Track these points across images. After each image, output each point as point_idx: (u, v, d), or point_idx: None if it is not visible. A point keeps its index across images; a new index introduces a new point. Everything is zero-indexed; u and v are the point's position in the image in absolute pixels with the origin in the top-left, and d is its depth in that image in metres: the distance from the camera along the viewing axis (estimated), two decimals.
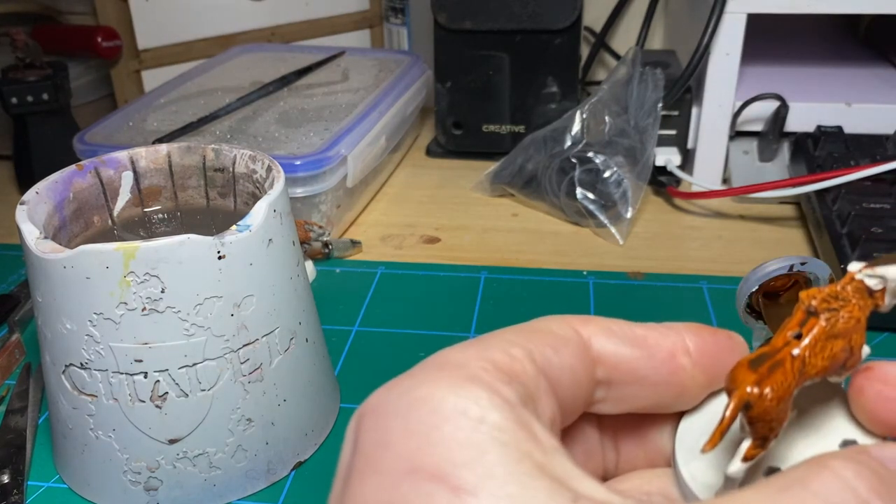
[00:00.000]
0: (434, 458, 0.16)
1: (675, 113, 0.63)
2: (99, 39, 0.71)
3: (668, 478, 0.22)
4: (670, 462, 0.22)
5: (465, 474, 0.15)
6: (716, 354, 0.22)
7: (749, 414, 0.18)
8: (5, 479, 0.37)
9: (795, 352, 0.19)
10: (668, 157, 0.63)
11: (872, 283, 0.20)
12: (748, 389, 0.18)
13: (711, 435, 0.18)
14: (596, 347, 0.21)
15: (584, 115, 0.60)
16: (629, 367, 0.21)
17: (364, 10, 0.84)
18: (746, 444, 0.19)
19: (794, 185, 0.55)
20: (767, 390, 0.18)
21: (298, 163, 0.52)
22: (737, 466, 0.19)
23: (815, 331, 0.19)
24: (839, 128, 0.60)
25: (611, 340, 0.21)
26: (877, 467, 0.17)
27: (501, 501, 0.15)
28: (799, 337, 0.19)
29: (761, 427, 0.18)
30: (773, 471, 0.20)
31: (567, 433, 0.23)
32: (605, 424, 0.24)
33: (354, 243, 0.56)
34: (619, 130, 0.59)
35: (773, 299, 0.26)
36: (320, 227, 0.55)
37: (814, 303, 0.19)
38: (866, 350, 0.20)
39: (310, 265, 0.53)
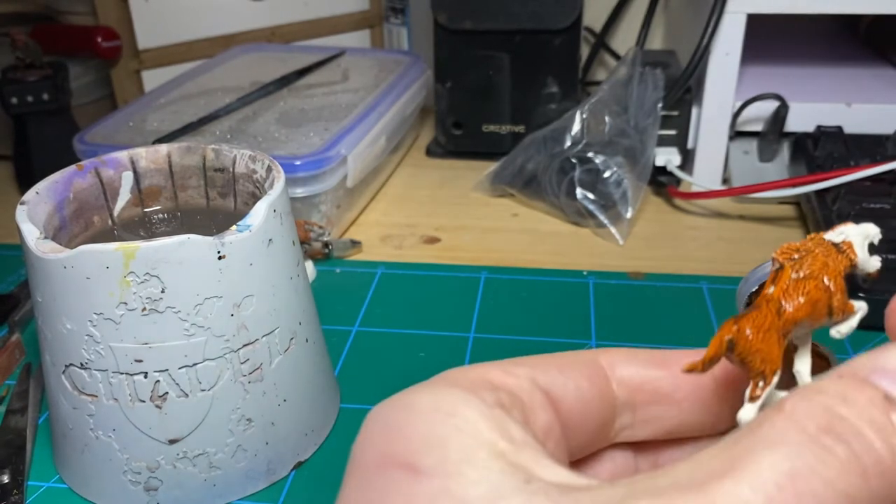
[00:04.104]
0: (402, 449, 0.17)
1: (675, 113, 0.63)
2: (99, 39, 0.71)
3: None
4: None
5: (425, 459, 0.16)
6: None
7: (736, 353, 0.19)
8: (5, 479, 0.37)
9: (770, 290, 0.20)
10: (668, 157, 0.63)
11: (832, 237, 0.21)
12: (729, 328, 0.19)
13: (694, 361, 0.19)
14: (618, 372, 0.21)
15: (584, 115, 0.60)
16: (652, 387, 0.21)
17: (364, 10, 0.84)
18: (749, 387, 0.20)
19: (793, 186, 0.55)
20: (747, 327, 0.19)
21: (298, 163, 0.52)
22: (747, 410, 0.19)
23: (782, 276, 0.20)
24: (839, 128, 0.60)
25: (632, 362, 0.22)
26: (831, 404, 0.16)
27: (451, 479, 0.16)
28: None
29: (752, 361, 0.19)
30: None
31: (601, 464, 0.23)
32: (641, 454, 0.24)
33: (354, 243, 0.56)
34: (619, 130, 0.59)
35: None
36: (320, 227, 0.55)
37: (775, 255, 0.20)
38: (863, 304, 0.20)
39: (310, 265, 0.53)
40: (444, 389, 0.18)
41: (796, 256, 0.20)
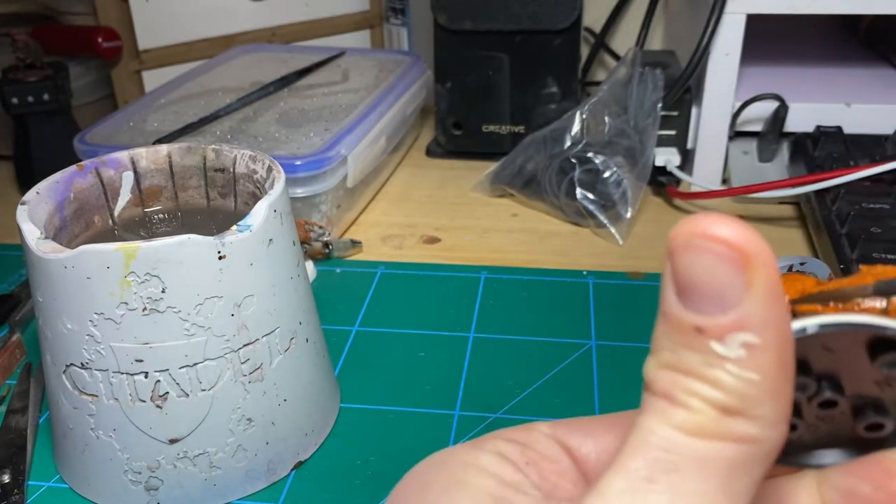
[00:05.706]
0: (409, 497, 0.22)
1: (675, 113, 0.63)
2: (99, 40, 0.71)
3: None
4: None
5: (441, 498, 0.21)
6: None
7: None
8: (6, 478, 0.37)
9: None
10: (667, 158, 0.63)
11: None
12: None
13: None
14: None
15: (584, 116, 0.60)
16: None
17: (364, 11, 0.84)
18: None
19: (793, 186, 0.55)
20: None
21: (299, 163, 0.52)
22: None
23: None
24: (838, 128, 0.60)
25: None
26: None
27: None
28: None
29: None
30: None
31: None
32: None
33: (354, 243, 0.56)
34: (618, 131, 0.59)
35: None
36: (320, 227, 0.55)
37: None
38: None
39: (310, 265, 0.53)
40: (466, 447, 0.22)
41: None
